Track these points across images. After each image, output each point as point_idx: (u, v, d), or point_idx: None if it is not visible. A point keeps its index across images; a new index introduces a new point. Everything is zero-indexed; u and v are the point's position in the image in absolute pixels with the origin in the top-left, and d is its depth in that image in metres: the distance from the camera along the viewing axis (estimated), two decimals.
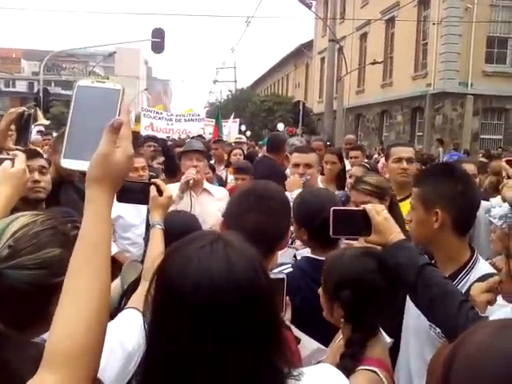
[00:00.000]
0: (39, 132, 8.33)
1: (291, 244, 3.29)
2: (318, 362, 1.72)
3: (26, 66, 61.51)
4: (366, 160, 6.84)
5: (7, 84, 56.61)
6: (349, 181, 4.15)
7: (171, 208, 2.18)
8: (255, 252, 1.00)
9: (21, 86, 54.49)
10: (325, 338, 1.83)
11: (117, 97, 1.05)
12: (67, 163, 1.03)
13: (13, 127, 2.63)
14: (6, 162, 1.75)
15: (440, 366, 0.83)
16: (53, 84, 40.80)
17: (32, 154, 2.54)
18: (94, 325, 0.89)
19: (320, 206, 2.07)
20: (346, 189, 4.25)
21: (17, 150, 2.37)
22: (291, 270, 2.14)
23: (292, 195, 3.35)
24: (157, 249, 1.81)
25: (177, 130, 12.23)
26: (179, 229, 2.09)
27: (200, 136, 10.97)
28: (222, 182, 6.13)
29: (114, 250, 4.05)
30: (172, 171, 4.86)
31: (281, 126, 20.80)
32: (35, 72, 52.54)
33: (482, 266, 1.86)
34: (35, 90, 30.83)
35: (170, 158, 5.38)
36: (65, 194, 3.13)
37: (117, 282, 2.04)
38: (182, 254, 0.96)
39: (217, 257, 0.93)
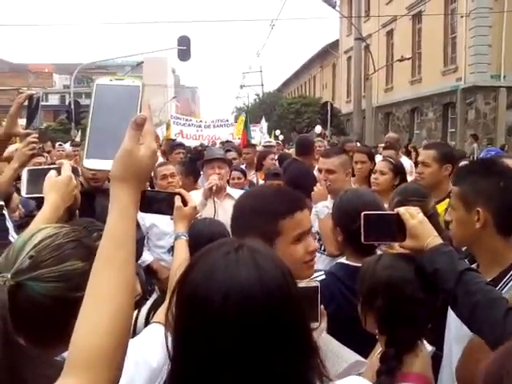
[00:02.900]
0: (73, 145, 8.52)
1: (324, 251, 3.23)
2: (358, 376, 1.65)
3: (57, 80, 63.18)
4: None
5: (40, 98, 58.11)
6: (373, 177, 4.05)
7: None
8: (281, 258, 0.97)
9: (53, 100, 55.92)
10: (363, 350, 1.74)
11: (137, 93, 1.03)
12: (90, 163, 1.01)
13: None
14: (51, 172, 1.79)
15: (488, 375, 0.78)
16: (83, 96, 41.73)
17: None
18: (116, 325, 0.86)
19: (361, 208, 1.98)
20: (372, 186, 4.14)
21: (27, 134, 2.40)
22: (324, 277, 2.06)
23: (316, 208, 3.27)
24: (182, 260, 1.78)
25: (206, 136, 12.30)
26: (208, 237, 2.06)
27: (228, 141, 10.98)
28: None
29: (149, 258, 4.13)
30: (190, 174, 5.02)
31: (318, 129, 20.45)
32: (66, 85, 53.89)
33: None
34: (67, 103, 31.57)
35: (195, 160, 5.51)
36: (100, 203, 3.17)
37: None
38: (206, 262, 0.93)
39: (244, 263, 0.90)
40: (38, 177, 1.89)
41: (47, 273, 1.07)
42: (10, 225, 2.23)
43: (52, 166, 1.90)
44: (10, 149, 2.51)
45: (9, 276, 1.05)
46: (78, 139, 12.17)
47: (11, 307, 1.00)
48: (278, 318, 0.88)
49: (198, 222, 2.38)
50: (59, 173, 1.79)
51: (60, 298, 1.04)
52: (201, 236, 2.08)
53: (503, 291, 1.66)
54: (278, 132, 19.64)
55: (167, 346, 0.96)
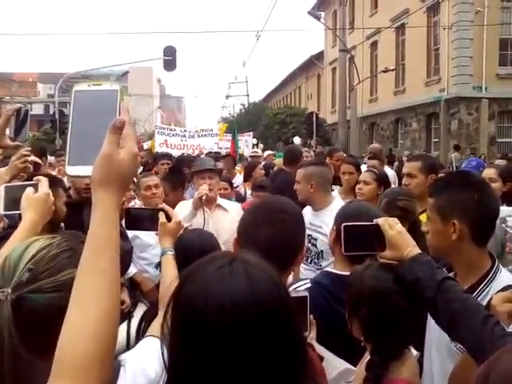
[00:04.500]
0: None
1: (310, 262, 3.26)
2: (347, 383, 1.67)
3: (41, 89, 62.65)
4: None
5: (29, 111, 57.46)
6: (357, 187, 4.10)
7: (185, 224, 2.16)
8: (273, 269, 0.99)
9: (37, 109, 55.35)
10: (348, 357, 1.76)
11: (115, 97, 1.03)
12: (72, 170, 1.01)
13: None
14: (28, 189, 1.77)
15: (478, 374, 0.81)
16: (68, 105, 41.52)
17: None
18: (101, 329, 0.86)
19: (362, 212, 2.01)
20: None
21: (15, 146, 2.39)
22: (309, 285, 2.08)
23: None
24: (170, 275, 1.81)
25: (191, 146, 12.29)
26: (197, 248, 2.07)
27: (217, 153, 10.96)
28: (241, 198, 6.11)
29: (133, 270, 4.06)
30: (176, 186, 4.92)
31: (297, 140, 20.66)
32: (50, 94, 53.47)
33: (504, 277, 1.80)
34: (51, 112, 31.33)
35: (177, 171, 5.44)
36: (87, 214, 3.15)
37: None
38: (200, 277, 0.94)
39: (237, 276, 0.93)
40: (15, 193, 1.87)
41: (47, 283, 1.08)
42: None
43: (29, 183, 1.88)
44: None
45: (9, 290, 1.05)
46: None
47: (15, 320, 1.01)
48: (272, 328, 0.90)
49: (188, 232, 2.39)
50: (36, 189, 1.77)
51: (61, 307, 1.02)
52: (191, 247, 2.09)
53: (479, 299, 1.70)
54: (254, 141, 19.59)
55: (163, 359, 0.97)
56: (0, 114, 2.52)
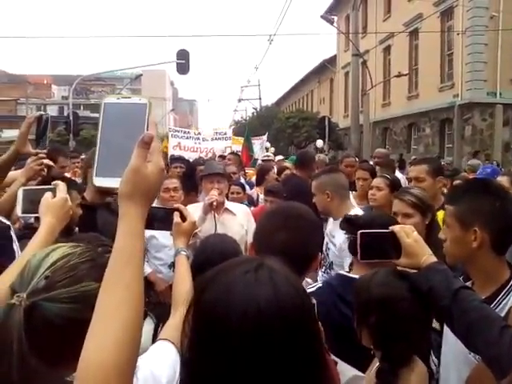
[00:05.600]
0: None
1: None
2: None
3: (56, 91, 63.28)
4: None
5: (39, 109, 58.03)
6: (370, 192, 4.08)
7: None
8: (297, 278, 0.99)
9: (52, 111, 55.86)
10: (354, 359, 1.77)
11: (144, 111, 1.04)
12: (100, 181, 1.03)
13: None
14: (46, 193, 1.79)
15: None
16: (82, 107, 41.92)
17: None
18: (124, 341, 0.87)
19: (370, 222, 2.03)
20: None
21: (37, 153, 2.43)
22: (320, 285, 2.13)
23: None
24: (183, 275, 1.80)
25: (204, 149, 12.30)
26: (219, 251, 2.08)
27: (233, 153, 10.92)
28: (253, 202, 6.10)
29: (147, 270, 4.09)
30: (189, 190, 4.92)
31: (320, 143, 20.44)
32: (65, 96, 54.02)
33: None
34: (65, 114, 31.57)
35: (191, 176, 5.45)
36: (101, 217, 3.18)
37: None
38: (224, 281, 0.94)
39: (262, 283, 0.92)
40: (33, 196, 1.90)
41: (62, 293, 1.07)
42: (15, 246, 2.21)
43: (47, 187, 1.90)
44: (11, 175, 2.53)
45: (24, 296, 1.05)
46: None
47: (26, 327, 1.01)
48: (294, 337, 0.90)
49: (210, 237, 2.40)
50: (54, 194, 1.79)
51: (74, 318, 1.04)
52: (213, 251, 2.10)
53: (497, 309, 1.68)
54: (268, 144, 19.55)
55: (181, 362, 0.97)
56: (15, 115, 2.55)
